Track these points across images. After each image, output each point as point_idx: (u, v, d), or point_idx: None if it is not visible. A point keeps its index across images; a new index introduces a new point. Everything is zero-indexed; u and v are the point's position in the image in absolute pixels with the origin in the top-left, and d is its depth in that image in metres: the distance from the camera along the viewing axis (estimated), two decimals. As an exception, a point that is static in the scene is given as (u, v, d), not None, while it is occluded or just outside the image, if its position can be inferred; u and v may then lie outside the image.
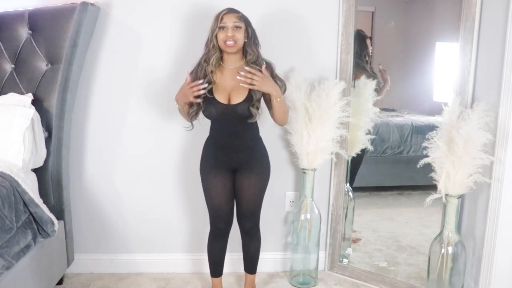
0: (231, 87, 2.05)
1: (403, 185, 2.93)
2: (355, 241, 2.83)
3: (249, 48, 2.04)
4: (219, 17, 1.99)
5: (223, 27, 1.99)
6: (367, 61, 2.67)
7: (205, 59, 2.06)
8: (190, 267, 2.69)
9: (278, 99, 2.03)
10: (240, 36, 2.00)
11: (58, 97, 2.27)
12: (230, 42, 1.98)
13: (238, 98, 2.03)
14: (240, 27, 2.00)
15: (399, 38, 2.83)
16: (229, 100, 2.04)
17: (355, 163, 2.69)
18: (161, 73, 2.50)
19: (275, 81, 2.05)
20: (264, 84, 1.97)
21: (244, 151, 2.12)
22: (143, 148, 2.57)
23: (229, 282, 2.57)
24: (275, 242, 2.71)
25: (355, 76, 2.56)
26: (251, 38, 2.03)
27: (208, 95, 2.04)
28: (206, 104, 2.05)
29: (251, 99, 2.03)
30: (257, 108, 2.06)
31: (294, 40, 2.49)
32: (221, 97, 2.04)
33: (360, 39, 2.61)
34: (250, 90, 2.02)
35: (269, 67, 2.07)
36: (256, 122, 2.13)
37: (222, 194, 2.16)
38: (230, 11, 2.01)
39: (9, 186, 1.89)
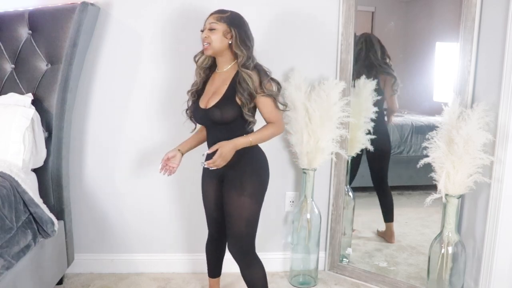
0: (213, 90, 1.96)
1: (403, 185, 2.93)
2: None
3: (237, 49, 1.89)
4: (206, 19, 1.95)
5: (203, 30, 1.94)
6: (388, 62, 2.68)
7: (195, 60, 2.03)
8: (190, 267, 2.69)
9: (252, 142, 1.90)
10: (215, 37, 1.88)
11: (58, 97, 2.27)
12: (204, 44, 1.92)
13: (212, 102, 1.92)
14: (215, 29, 1.88)
15: (399, 38, 2.83)
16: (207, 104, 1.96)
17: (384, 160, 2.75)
18: (161, 73, 2.50)
19: (265, 87, 1.88)
20: (225, 159, 1.86)
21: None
22: (143, 148, 2.57)
23: (227, 282, 2.57)
24: (275, 242, 2.71)
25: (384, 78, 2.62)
26: (236, 38, 1.89)
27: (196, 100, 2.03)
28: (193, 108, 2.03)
29: (222, 103, 1.89)
30: (234, 114, 1.89)
31: (294, 40, 2.49)
32: (202, 102, 1.98)
33: (378, 41, 2.64)
34: (224, 95, 1.90)
35: (261, 73, 1.90)
36: (244, 131, 1.94)
37: (211, 201, 2.10)
38: (215, 12, 1.94)
39: (9, 186, 1.89)
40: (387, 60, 2.67)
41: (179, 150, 2.09)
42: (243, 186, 1.93)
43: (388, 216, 2.81)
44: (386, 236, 2.82)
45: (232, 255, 2.02)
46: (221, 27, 1.89)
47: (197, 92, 2.04)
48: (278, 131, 1.97)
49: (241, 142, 1.90)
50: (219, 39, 1.89)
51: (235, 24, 1.91)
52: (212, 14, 1.94)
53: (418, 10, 2.79)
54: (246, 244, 1.99)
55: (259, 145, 2.02)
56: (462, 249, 2.17)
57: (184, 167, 2.57)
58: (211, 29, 1.90)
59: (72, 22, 2.23)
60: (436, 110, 2.18)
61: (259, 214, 2.00)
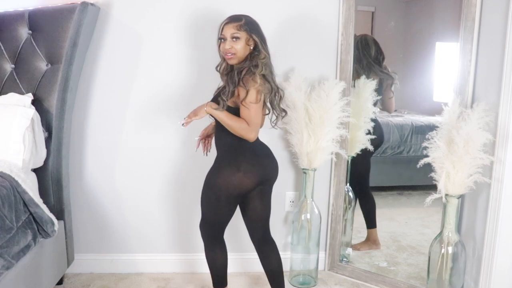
0: None
1: (403, 185, 2.93)
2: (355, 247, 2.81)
3: (263, 52, 1.96)
4: (219, 28, 1.98)
5: (223, 39, 1.97)
6: (381, 64, 2.68)
7: (217, 68, 2.09)
8: (190, 267, 2.68)
9: (216, 112, 1.92)
10: (239, 47, 1.94)
11: (58, 97, 2.27)
12: (229, 55, 1.96)
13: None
14: (239, 38, 1.94)
15: (399, 38, 2.83)
16: None
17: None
18: (161, 72, 2.50)
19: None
20: (198, 112, 1.94)
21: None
22: (143, 148, 2.57)
23: (233, 283, 2.56)
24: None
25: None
26: (259, 44, 1.96)
27: None
28: None
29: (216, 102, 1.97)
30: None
31: (294, 40, 2.49)
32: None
33: (374, 42, 2.65)
34: (218, 95, 2.00)
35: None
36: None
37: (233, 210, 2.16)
38: (231, 20, 1.96)
39: (9, 186, 1.89)
40: (382, 61, 2.67)
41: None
42: (266, 196, 2.11)
43: (370, 222, 2.78)
44: (369, 244, 2.78)
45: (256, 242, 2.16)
46: (242, 35, 1.95)
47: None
48: (245, 133, 1.93)
49: (202, 110, 1.94)
50: (243, 48, 1.96)
51: (254, 30, 1.97)
52: (228, 23, 1.95)
53: (418, 10, 2.79)
54: (268, 231, 2.18)
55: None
56: (462, 249, 2.17)
57: (184, 166, 2.58)
58: (235, 38, 1.94)
59: (72, 22, 2.23)
60: (436, 110, 2.18)
61: None
